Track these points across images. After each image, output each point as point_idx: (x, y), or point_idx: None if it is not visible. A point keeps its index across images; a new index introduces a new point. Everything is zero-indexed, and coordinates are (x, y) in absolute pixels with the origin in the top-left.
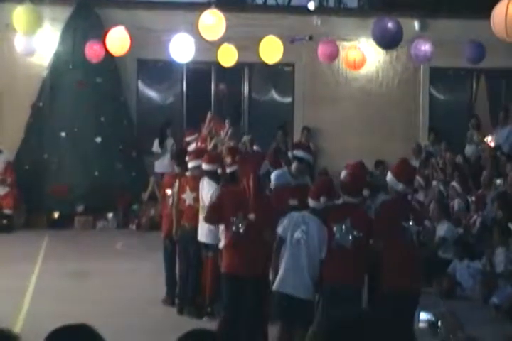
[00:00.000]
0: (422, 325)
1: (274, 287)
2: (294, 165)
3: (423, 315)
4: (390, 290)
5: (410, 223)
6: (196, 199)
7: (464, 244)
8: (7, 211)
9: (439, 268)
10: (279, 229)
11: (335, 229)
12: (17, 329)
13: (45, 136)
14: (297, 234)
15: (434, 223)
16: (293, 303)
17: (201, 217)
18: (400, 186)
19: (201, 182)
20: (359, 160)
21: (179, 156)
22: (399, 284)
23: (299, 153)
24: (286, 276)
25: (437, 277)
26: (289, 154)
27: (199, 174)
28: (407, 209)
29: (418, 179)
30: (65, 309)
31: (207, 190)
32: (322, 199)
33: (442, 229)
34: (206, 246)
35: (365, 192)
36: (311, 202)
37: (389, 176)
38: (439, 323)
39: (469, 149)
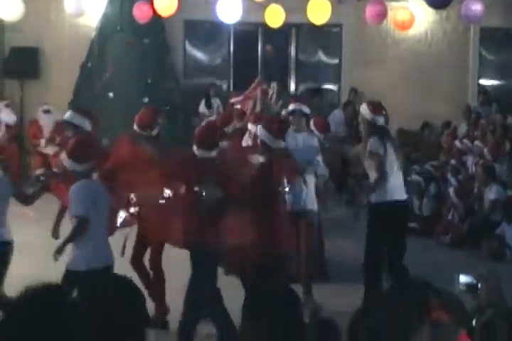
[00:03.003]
0: (461, 287)
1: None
2: (295, 120)
3: (462, 278)
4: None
5: (286, 187)
6: None
7: None
8: (56, 170)
9: (488, 230)
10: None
11: (198, 189)
12: None
13: (93, 96)
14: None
15: (480, 186)
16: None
17: None
18: (282, 144)
19: None
20: None
21: None
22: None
23: (296, 106)
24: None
25: (486, 239)
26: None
27: None
28: (286, 169)
29: (466, 142)
30: (118, 266)
31: None
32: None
33: (492, 192)
34: None
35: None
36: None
37: (262, 131)
38: (479, 285)
39: None
